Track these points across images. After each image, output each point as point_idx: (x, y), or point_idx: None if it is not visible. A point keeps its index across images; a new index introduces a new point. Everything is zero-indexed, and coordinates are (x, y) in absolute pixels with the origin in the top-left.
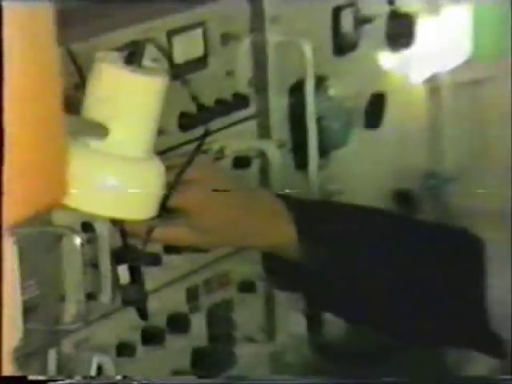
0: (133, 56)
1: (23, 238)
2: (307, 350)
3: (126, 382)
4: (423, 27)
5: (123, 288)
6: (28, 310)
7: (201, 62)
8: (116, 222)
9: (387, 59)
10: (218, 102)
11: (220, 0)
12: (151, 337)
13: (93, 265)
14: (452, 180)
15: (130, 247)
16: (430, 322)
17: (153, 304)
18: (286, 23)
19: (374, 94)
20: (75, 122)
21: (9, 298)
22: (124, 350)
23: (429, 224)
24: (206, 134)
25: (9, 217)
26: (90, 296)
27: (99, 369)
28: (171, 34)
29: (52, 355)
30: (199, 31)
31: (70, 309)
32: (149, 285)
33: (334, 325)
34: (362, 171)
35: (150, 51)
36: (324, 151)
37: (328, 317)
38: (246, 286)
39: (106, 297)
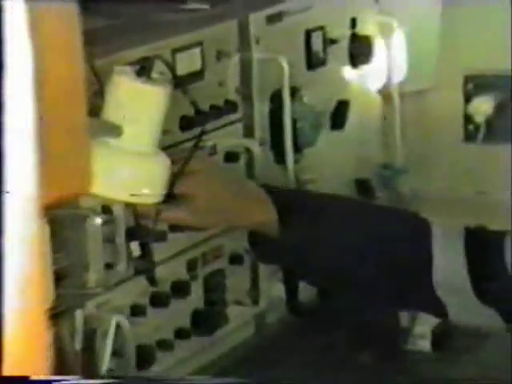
0: (143, 70)
1: (55, 218)
2: (285, 311)
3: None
4: (378, 47)
5: (135, 260)
6: (58, 278)
7: (198, 75)
8: (130, 206)
9: (350, 73)
10: (212, 107)
11: (214, 24)
12: (158, 300)
13: (111, 240)
14: (403, 171)
15: (141, 226)
16: (387, 287)
17: (159, 273)
18: (268, 43)
19: (339, 101)
20: (96, 124)
21: (43, 268)
22: (136, 311)
23: (385, 208)
24: (202, 133)
25: (43, 200)
26: (109, 266)
27: (117, 326)
28: (175, 51)
29: (79, 315)
30: (198, 49)
31: (93, 276)
32: (156, 257)
33: (307, 290)
34: (330, 164)
35: (158, 66)
36: (298, 148)
37: (302, 284)
38: (236, 259)
39: (121, 267)
